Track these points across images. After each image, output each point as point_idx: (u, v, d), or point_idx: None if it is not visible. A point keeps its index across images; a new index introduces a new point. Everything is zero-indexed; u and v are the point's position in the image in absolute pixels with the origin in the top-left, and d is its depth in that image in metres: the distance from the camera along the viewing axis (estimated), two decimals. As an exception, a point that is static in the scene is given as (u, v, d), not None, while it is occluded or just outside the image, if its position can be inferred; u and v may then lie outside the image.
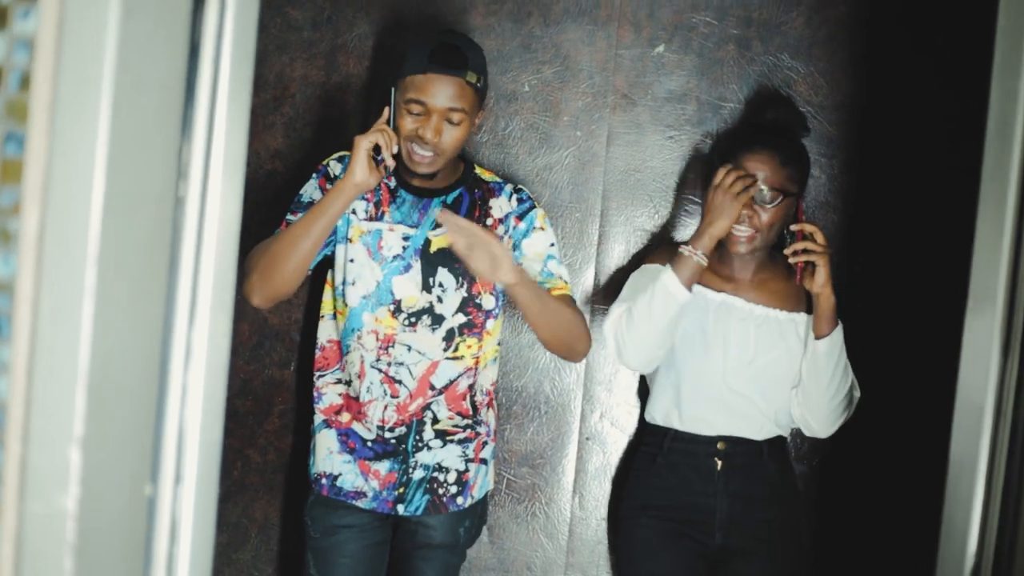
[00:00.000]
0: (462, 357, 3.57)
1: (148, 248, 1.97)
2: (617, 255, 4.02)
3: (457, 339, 3.55)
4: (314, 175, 3.62)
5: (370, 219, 3.53)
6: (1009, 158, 2.27)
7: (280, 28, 4.00)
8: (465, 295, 3.54)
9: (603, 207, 4.02)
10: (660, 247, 3.81)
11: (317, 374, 3.67)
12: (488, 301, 3.56)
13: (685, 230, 4.00)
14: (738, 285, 3.69)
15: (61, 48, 1.78)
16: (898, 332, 3.99)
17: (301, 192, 3.61)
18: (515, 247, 3.56)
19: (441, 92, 3.38)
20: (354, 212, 3.54)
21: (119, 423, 1.92)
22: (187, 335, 2.09)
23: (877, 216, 4.00)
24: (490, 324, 3.59)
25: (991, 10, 2.40)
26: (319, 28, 4.01)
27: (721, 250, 3.70)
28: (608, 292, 4.01)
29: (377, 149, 3.37)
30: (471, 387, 3.62)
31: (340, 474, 3.61)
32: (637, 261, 3.97)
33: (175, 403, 2.09)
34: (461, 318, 3.55)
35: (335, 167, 3.61)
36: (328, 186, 3.56)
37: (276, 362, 4.05)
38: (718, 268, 3.71)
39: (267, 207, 3.93)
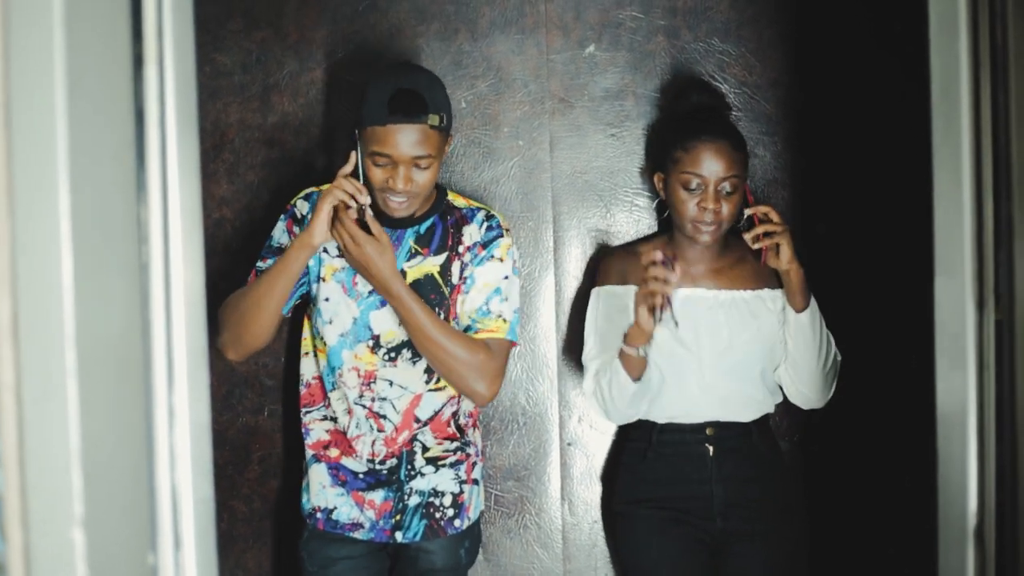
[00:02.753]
0: (444, 387, 3.55)
1: (121, 318, 1.96)
2: (574, 258, 4.02)
3: None
4: (282, 216, 3.61)
5: (341, 256, 3.51)
6: (958, 115, 2.28)
7: (210, 75, 3.97)
8: None
9: (555, 213, 4.02)
10: (610, 256, 3.79)
11: (304, 410, 3.65)
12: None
13: (638, 226, 4.01)
14: (696, 277, 3.70)
15: (11, 130, 1.77)
16: (866, 300, 4.01)
17: (271, 235, 3.61)
18: (469, 275, 3.52)
19: (404, 141, 3.30)
20: (325, 250, 3.52)
21: (116, 497, 1.91)
22: (168, 399, 2.08)
23: (830, 186, 4.02)
24: None
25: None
26: (249, 70, 3.99)
27: (674, 244, 3.73)
28: (570, 298, 4.01)
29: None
30: (455, 414, 3.60)
31: (335, 507, 3.60)
32: (593, 265, 3.98)
33: (164, 469, 2.08)
34: None
35: (302, 207, 3.59)
36: (296, 229, 3.55)
37: (249, 409, 4.03)
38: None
39: (219, 255, 3.91)
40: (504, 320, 3.50)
